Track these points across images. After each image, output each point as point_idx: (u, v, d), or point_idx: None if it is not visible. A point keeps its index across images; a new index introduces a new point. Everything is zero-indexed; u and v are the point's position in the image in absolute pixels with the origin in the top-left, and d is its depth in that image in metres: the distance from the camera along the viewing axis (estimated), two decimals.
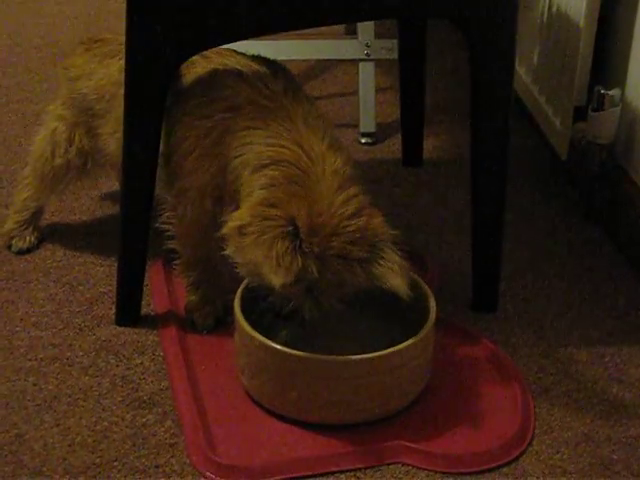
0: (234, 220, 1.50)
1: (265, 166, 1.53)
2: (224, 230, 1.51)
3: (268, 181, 1.52)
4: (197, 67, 1.69)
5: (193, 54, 1.63)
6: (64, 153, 1.92)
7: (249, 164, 1.56)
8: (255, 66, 1.68)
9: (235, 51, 1.73)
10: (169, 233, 1.74)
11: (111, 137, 1.80)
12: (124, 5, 1.56)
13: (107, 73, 1.81)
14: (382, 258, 1.48)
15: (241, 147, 1.58)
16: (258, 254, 1.45)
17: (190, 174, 1.65)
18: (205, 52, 1.68)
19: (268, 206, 1.47)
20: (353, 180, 1.53)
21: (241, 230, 1.48)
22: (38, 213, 2.03)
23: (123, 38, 1.78)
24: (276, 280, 1.42)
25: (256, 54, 1.75)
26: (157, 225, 1.73)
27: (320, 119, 1.62)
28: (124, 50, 1.62)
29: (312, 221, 1.45)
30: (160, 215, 1.74)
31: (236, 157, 1.58)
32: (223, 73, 1.67)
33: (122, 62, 1.73)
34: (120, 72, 1.73)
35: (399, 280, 1.47)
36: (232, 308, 1.61)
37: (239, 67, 1.67)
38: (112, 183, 2.16)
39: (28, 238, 2.00)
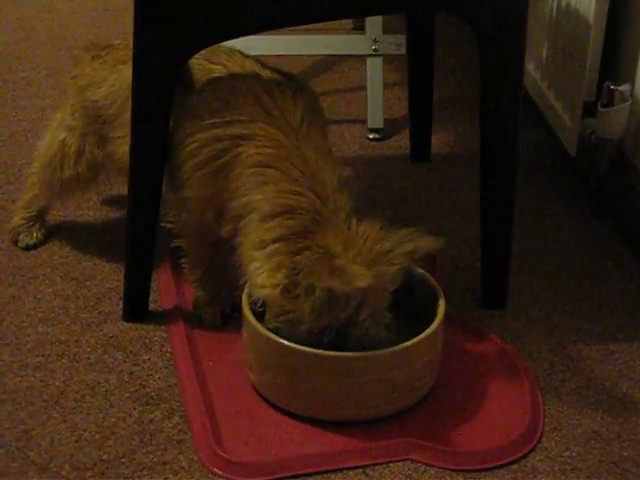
0: (269, 287, 1.49)
1: (279, 214, 1.53)
2: (264, 295, 1.51)
3: (284, 231, 1.51)
4: (216, 79, 1.68)
5: (199, 49, 1.62)
6: (74, 165, 1.90)
7: (260, 210, 1.54)
8: (275, 89, 1.64)
9: (257, 61, 1.72)
10: (175, 231, 1.73)
11: (122, 140, 1.78)
12: (131, 0, 1.56)
13: (119, 78, 1.79)
14: (399, 238, 1.53)
15: (252, 186, 1.57)
16: (324, 284, 1.44)
17: (194, 186, 1.64)
18: (226, 62, 1.68)
19: (297, 254, 1.49)
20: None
21: (287, 292, 1.48)
22: (45, 210, 2.03)
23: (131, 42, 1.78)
24: (361, 281, 1.42)
25: (278, 67, 1.74)
26: (163, 224, 1.73)
27: (329, 155, 1.62)
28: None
29: (341, 240, 1.49)
30: (165, 213, 1.73)
31: (245, 195, 1.57)
32: (243, 94, 1.64)
33: None
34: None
35: (426, 239, 1.55)
36: (240, 304, 1.61)
37: (258, 87, 1.64)
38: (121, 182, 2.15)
39: (35, 234, 2.00)
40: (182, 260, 1.77)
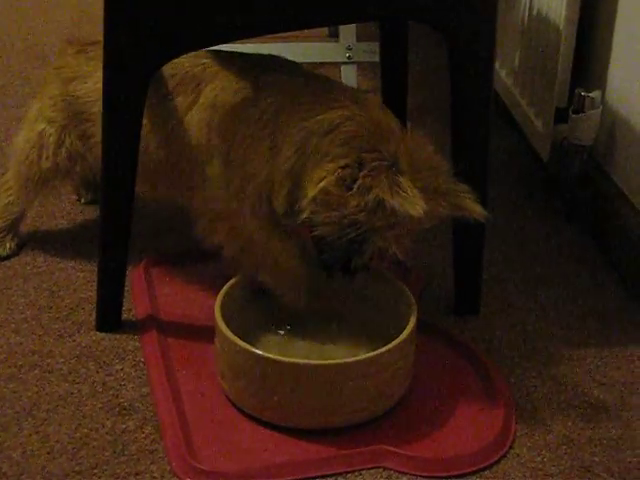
0: (328, 175, 1.49)
1: (337, 126, 1.53)
2: (313, 191, 1.50)
3: (346, 136, 1.52)
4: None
5: (172, 58, 1.62)
6: (52, 156, 1.89)
7: (314, 132, 1.54)
8: (269, 61, 1.70)
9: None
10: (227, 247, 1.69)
11: None
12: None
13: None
14: (457, 189, 1.55)
15: (302, 121, 1.56)
16: (380, 192, 1.45)
17: (242, 166, 1.62)
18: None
19: (366, 152, 1.49)
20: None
21: (343, 180, 1.48)
22: (19, 219, 2.02)
23: None
24: (415, 211, 1.44)
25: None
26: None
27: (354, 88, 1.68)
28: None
29: (411, 159, 1.50)
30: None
31: (299, 132, 1.56)
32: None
33: None
34: None
35: (476, 205, 1.56)
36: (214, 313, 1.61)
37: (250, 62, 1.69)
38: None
39: (8, 244, 1.99)
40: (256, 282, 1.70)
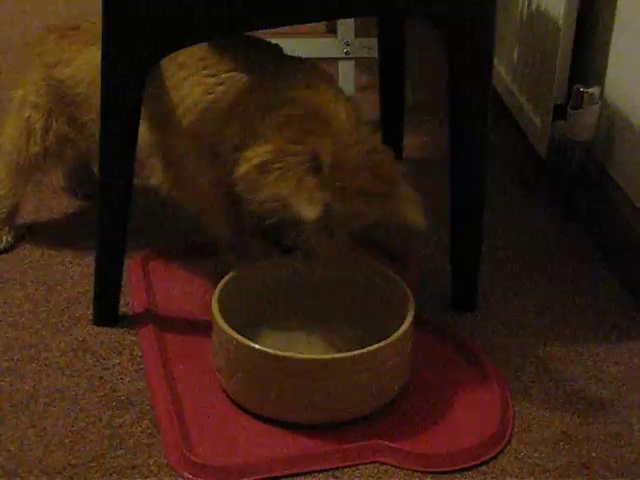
0: (254, 158, 1.50)
1: (278, 106, 1.54)
2: (242, 169, 1.51)
3: (284, 119, 1.53)
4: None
5: (169, 52, 1.62)
6: (40, 140, 1.89)
7: (260, 106, 1.56)
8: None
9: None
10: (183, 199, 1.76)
11: (94, 122, 1.78)
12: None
13: (87, 59, 1.79)
14: (399, 193, 1.53)
15: (247, 93, 1.59)
16: (284, 190, 1.46)
17: (190, 130, 1.66)
18: None
19: (290, 142, 1.49)
20: (365, 118, 1.59)
21: (263, 167, 1.49)
22: (13, 212, 2.01)
23: (99, 26, 1.77)
24: (308, 214, 1.44)
25: None
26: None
27: (324, 72, 1.67)
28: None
29: (335, 156, 1.48)
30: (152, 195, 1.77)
31: (245, 102, 1.59)
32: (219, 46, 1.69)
33: None
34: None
35: (416, 214, 1.54)
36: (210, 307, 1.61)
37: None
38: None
39: (5, 238, 1.99)
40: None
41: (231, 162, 1.59)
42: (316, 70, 1.66)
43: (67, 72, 1.83)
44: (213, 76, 1.64)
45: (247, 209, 1.57)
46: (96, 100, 1.75)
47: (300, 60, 1.70)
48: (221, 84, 1.63)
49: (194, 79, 1.65)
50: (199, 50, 1.67)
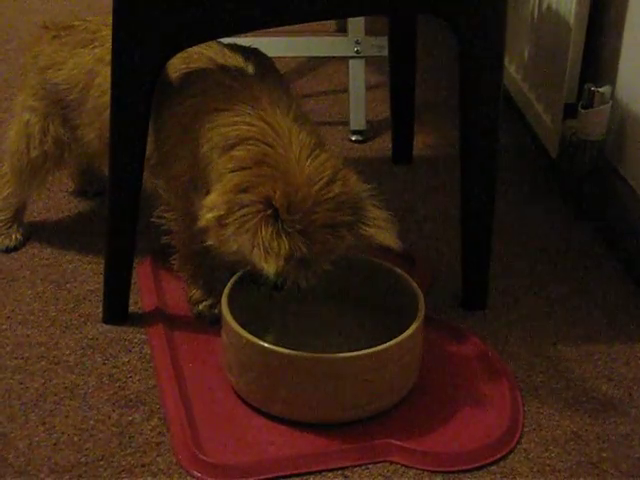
0: (209, 211, 1.48)
1: (232, 147, 1.52)
2: (201, 222, 1.49)
3: (237, 163, 1.50)
4: (174, 59, 1.67)
5: (180, 50, 1.62)
6: (39, 144, 1.89)
7: (217, 146, 1.55)
8: (228, 52, 1.68)
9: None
10: (164, 228, 1.73)
11: (89, 127, 1.79)
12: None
13: (79, 63, 1.79)
14: (366, 217, 1.49)
15: (209, 131, 1.57)
16: (243, 244, 1.44)
17: (172, 162, 1.65)
18: None
19: (241, 192, 1.46)
20: (321, 146, 1.53)
21: (220, 221, 1.46)
22: (21, 210, 2.02)
23: (93, 25, 1.78)
24: (269, 268, 1.41)
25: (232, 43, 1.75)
26: (152, 219, 1.73)
27: (285, 94, 1.63)
28: (96, 38, 1.68)
29: (289, 198, 1.44)
30: (154, 210, 1.73)
31: (206, 142, 1.57)
32: (196, 60, 1.67)
33: (95, 50, 1.75)
34: (92, 60, 1.74)
35: (387, 235, 1.49)
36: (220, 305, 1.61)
37: (213, 54, 1.68)
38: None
39: (14, 236, 1.99)
40: (172, 257, 1.77)
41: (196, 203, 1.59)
42: (272, 91, 1.61)
43: (60, 75, 1.82)
44: (180, 104, 1.63)
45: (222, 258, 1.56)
46: (89, 105, 1.76)
47: (264, 76, 1.65)
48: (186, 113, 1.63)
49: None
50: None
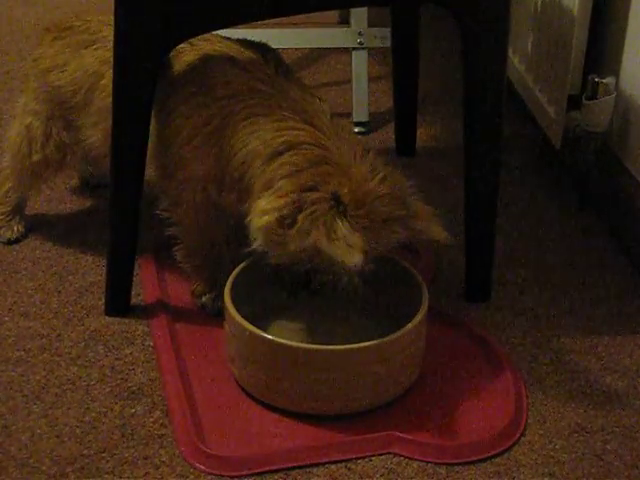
0: (264, 214, 1.47)
1: (281, 153, 1.51)
2: (257, 225, 1.48)
3: (291, 167, 1.50)
4: (186, 56, 1.66)
5: (182, 41, 1.61)
6: (41, 148, 1.88)
7: (260, 154, 1.53)
8: (244, 50, 1.67)
9: (221, 36, 1.71)
10: (170, 220, 1.72)
11: (94, 128, 1.77)
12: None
13: (82, 64, 1.77)
14: (416, 212, 1.53)
15: (247, 136, 1.55)
16: (315, 240, 1.44)
17: (191, 163, 1.63)
18: (192, 40, 1.66)
19: (306, 191, 1.47)
20: (363, 145, 1.55)
21: (284, 220, 1.46)
22: (22, 203, 2.01)
23: (94, 24, 1.77)
24: (352, 260, 1.41)
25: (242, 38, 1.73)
26: (156, 212, 1.72)
27: (314, 96, 1.62)
28: (98, 38, 1.66)
29: (354, 195, 1.46)
30: (158, 203, 1.72)
31: (242, 148, 1.55)
32: (215, 60, 1.65)
33: (98, 52, 1.74)
34: (97, 62, 1.72)
35: (437, 228, 1.53)
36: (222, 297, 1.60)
37: (229, 53, 1.66)
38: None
39: (15, 228, 1.99)
40: (176, 248, 1.76)
41: (232, 204, 1.59)
42: (303, 91, 1.61)
43: (63, 78, 1.81)
44: (207, 106, 1.61)
45: (270, 261, 1.54)
46: (94, 107, 1.74)
47: (289, 78, 1.64)
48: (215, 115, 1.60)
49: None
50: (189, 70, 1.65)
